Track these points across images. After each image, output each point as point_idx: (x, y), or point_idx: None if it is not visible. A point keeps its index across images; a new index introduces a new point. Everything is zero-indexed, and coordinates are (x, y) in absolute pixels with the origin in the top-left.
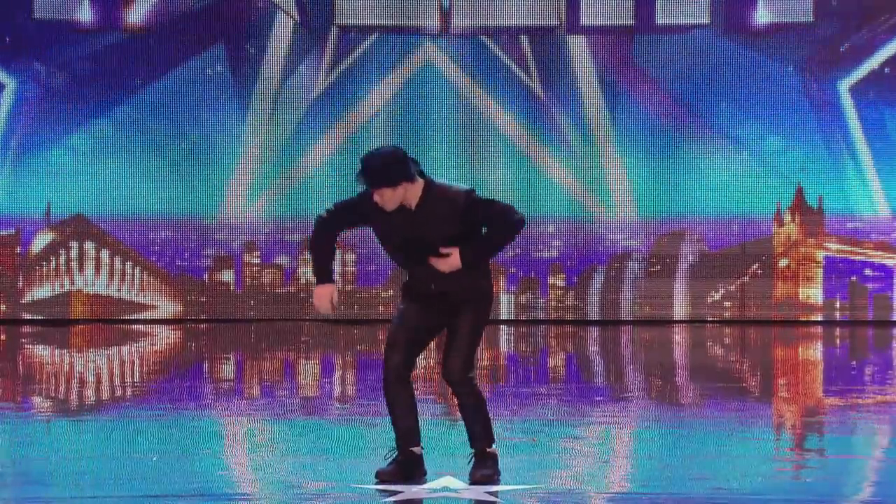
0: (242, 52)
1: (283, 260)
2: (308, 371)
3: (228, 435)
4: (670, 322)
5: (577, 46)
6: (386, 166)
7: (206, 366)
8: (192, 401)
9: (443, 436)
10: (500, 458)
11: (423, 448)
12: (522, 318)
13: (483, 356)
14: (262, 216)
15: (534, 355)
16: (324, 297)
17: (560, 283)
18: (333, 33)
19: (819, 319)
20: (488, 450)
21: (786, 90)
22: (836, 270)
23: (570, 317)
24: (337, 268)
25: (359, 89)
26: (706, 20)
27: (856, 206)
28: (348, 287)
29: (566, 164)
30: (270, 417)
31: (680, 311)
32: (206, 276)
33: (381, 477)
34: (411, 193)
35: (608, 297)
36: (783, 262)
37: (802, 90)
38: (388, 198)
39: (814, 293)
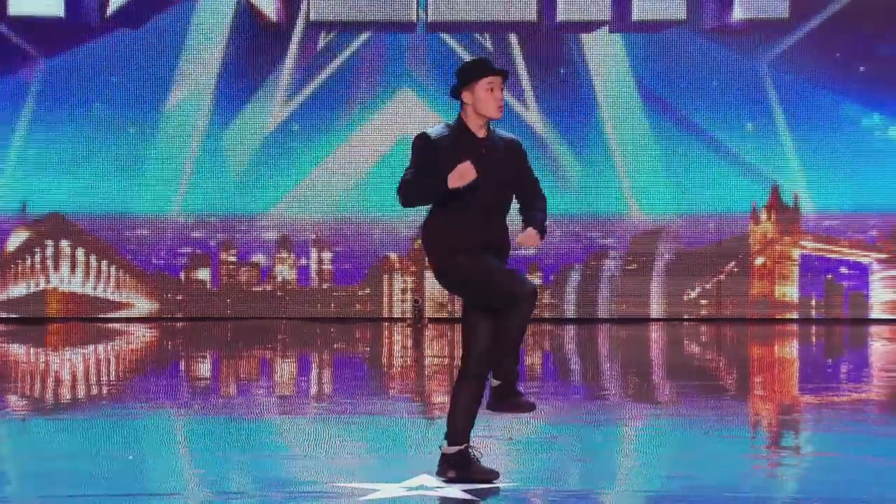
0: (215, 52)
1: (259, 258)
2: (285, 369)
3: (205, 433)
4: (647, 320)
5: (555, 43)
6: None
7: (182, 364)
8: (168, 399)
9: (420, 434)
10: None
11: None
12: None
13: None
14: (239, 215)
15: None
16: (466, 168)
17: (537, 280)
18: (300, 29)
19: (795, 317)
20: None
21: (761, 88)
22: (812, 268)
23: (547, 315)
24: (313, 266)
25: (339, 88)
26: (682, 17)
27: (832, 205)
28: (325, 286)
29: (542, 162)
30: (247, 416)
31: (657, 309)
32: (182, 275)
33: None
34: None
35: (585, 295)
36: (759, 261)
37: (777, 88)
38: (502, 95)
39: (790, 291)
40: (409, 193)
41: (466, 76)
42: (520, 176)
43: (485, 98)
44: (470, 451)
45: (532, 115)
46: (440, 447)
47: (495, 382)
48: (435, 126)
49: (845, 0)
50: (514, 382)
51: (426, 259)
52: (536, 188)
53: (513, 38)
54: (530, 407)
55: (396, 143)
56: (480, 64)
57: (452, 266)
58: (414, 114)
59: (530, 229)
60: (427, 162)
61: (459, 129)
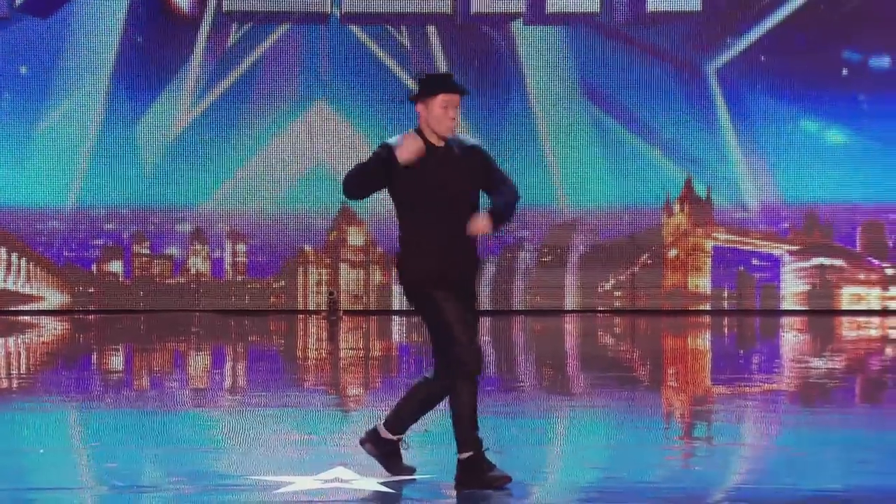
0: (133, 42)
1: (172, 251)
2: (199, 362)
3: (117, 427)
4: (561, 312)
5: (467, 34)
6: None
7: (94, 357)
8: (79, 393)
9: (335, 426)
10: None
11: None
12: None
13: (376, 347)
14: (152, 207)
15: (426, 345)
16: (412, 140)
17: None
18: (208, 19)
19: (708, 309)
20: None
21: (675, 81)
22: (725, 260)
23: None
24: (227, 259)
25: (253, 82)
26: (596, 9)
27: (744, 197)
28: (239, 278)
29: None
30: (160, 409)
31: (571, 300)
32: (94, 267)
33: (498, 482)
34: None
35: (500, 287)
36: (673, 253)
37: (692, 81)
38: (457, 115)
39: (702, 283)
40: (354, 176)
41: (424, 89)
42: (485, 178)
43: (438, 115)
44: (401, 443)
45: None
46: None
47: (464, 455)
48: (396, 135)
49: None
50: (483, 452)
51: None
52: (502, 178)
53: (431, 31)
54: (506, 480)
55: (310, 136)
56: (439, 80)
57: (417, 295)
58: (327, 110)
59: (481, 214)
60: (378, 158)
61: (419, 138)
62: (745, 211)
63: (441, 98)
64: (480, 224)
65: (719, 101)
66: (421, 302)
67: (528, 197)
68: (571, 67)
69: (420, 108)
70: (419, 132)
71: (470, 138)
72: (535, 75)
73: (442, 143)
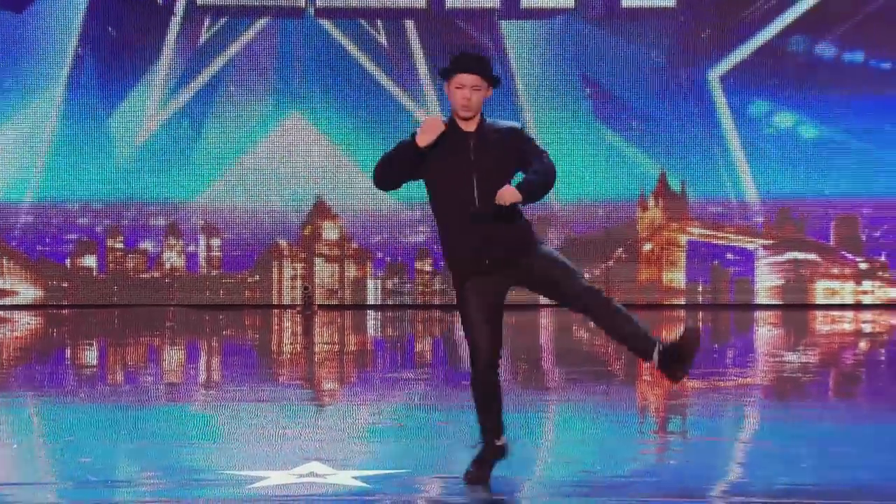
0: (105, 34)
1: (147, 245)
2: (173, 357)
3: (92, 421)
4: (536, 306)
5: (442, 29)
6: (481, 59)
7: (67, 352)
8: (53, 387)
9: (310, 421)
10: (371, 442)
11: (506, 438)
12: (389, 302)
13: (351, 341)
14: (126, 201)
15: (401, 340)
16: (431, 121)
17: (427, 267)
18: (180, 11)
19: (682, 303)
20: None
21: (649, 76)
22: (699, 254)
23: (437, 301)
24: (202, 253)
25: (227, 76)
26: (571, 5)
27: (718, 191)
28: (214, 273)
29: None
30: (135, 404)
31: None
32: (67, 262)
33: (470, 479)
34: (478, 107)
35: None
36: (647, 247)
37: (666, 76)
38: (473, 95)
39: (677, 277)
40: (380, 165)
41: (443, 70)
42: (519, 158)
43: (452, 95)
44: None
45: (430, 103)
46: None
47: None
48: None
49: None
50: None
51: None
52: (537, 154)
53: (409, 25)
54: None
55: (284, 130)
56: (453, 60)
57: (458, 291)
58: (300, 104)
59: (508, 185)
60: (400, 144)
61: (451, 123)
62: (719, 205)
63: (455, 79)
64: (507, 193)
65: (693, 97)
66: (457, 293)
67: None
68: (548, 63)
69: (446, 90)
70: (451, 117)
71: (508, 121)
72: (513, 70)
73: (472, 128)
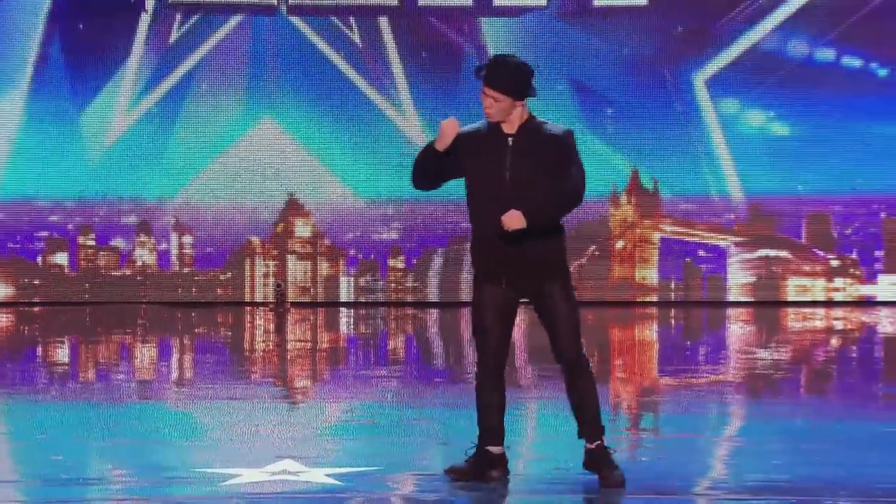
0: (77, 32)
1: (118, 242)
2: (145, 354)
3: (63, 419)
4: None
5: (417, 27)
6: (510, 71)
7: (39, 349)
8: (25, 385)
9: (282, 418)
10: (343, 440)
11: (505, 448)
12: (362, 300)
13: (324, 339)
14: (98, 199)
15: (374, 337)
16: (445, 124)
17: (399, 264)
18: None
19: (655, 300)
20: (605, 445)
21: (621, 73)
22: (671, 252)
23: (409, 298)
24: (173, 250)
25: (199, 73)
26: (543, 2)
27: (690, 189)
28: (185, 270)
29: (402, 146)
30: (107, 401)
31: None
32: (39, 259)
33: (452, 473)
34: (516, 115)
35: (448, 278)
36: (619, 244)
37: (638, 73)
38: (493, 105)
39: (649, 274)
40: (413, 168)
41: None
42: (555, 170)
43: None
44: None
45: (403, 100)
46: (601, 446)
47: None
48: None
49: None
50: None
51: None
52: (566, 173)
53: (383, 22)
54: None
55: (257, 128)
56: (479, 68)
57: (475, 287)
58: (272, 103)
59: (513, 210)
60: (424, 147)
61: (491, 124)
62: (691, 202)
63: (483, 87)
64: (512, 220)
65: (665, 94)
66: (474, 289)
67: None
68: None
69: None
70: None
71: (557, 126)
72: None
73: (512, 130)
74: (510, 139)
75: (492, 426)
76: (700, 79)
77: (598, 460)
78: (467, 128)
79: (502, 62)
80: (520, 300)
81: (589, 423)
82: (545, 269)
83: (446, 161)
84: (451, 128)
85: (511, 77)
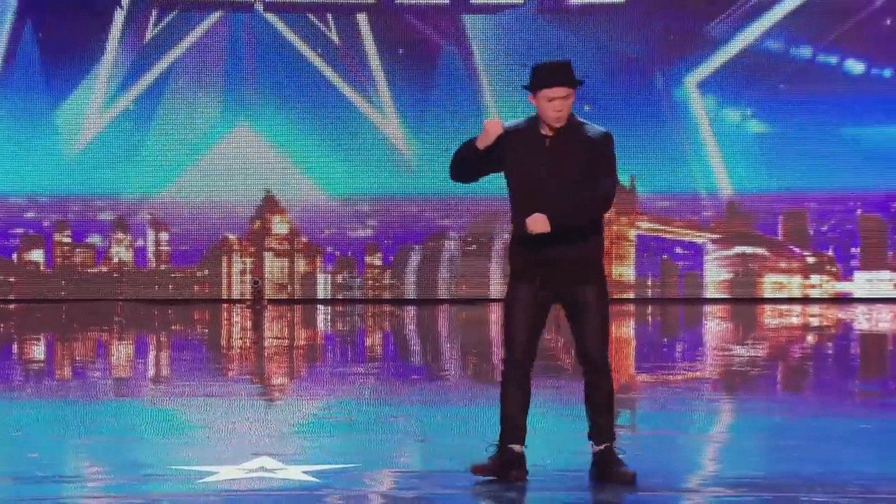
0: (50, 28)
1: (95, 239)
2: (122, 351)
3: (39, 417)
4: (487, 300)
5: (394, 24)
6: (569, 66)
7: (15, 347)
8: (1, 382)
9: (259, 416)
10: (321, 437)
11: (525, 447)
12: (339, 297)
13: (301, 336)
14: (73, 195)
15: (351, 334)
16: (489, 124)
17: (377, 262)
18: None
19: (632, 297)
20: (614, 449)
21: (598, 69)
22: (648, 249)
23: (387, 296)
24: (150, 248)
25: (176, 71)
26: (520, 0)
27: (667, 186)
28: (162, 267)
29: (378, 143)
30: (83, 399)
31: (496, 289)
32: (14, 256)
33: (477, 471)
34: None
35: (425, 275)
36: None
37: (614, 70)
38: (565, 106)
39: (627, 271)
40: (452, 160)
41: (531, 83)
42: (592, 171)
43: (543, 108)
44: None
45: (382, 97)
46: (610, 449)
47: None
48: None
49: None
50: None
51: None
52: (599, 178)
53: (361, 19)
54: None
55: (233, 125)
56: (542, 75)
57: (510, 281)
58: (248, 101)
59: (538, 213)
60: (464, 142)
61: (532, 122)
62: (669, 200)
63: (544, 93)
64: (536, 223)
65: (642, 91)
66: (509, 283)
67: (453, 185)
68: (497, 56)
69: (531, 98)
70: (534, 116)
71: (598, 128)
72: (470, 64)
73: (552, 133)
74: (550, 138)
75: (515, 424)
76: (677, 77)
77: (607, 459)
78: (510, 124)
79: (556, 62)
80: (553, 303)
81: (603, 426)
82: (581, 271)
83: (488, 158)
84: (495, 128)
85: (572, 71)
